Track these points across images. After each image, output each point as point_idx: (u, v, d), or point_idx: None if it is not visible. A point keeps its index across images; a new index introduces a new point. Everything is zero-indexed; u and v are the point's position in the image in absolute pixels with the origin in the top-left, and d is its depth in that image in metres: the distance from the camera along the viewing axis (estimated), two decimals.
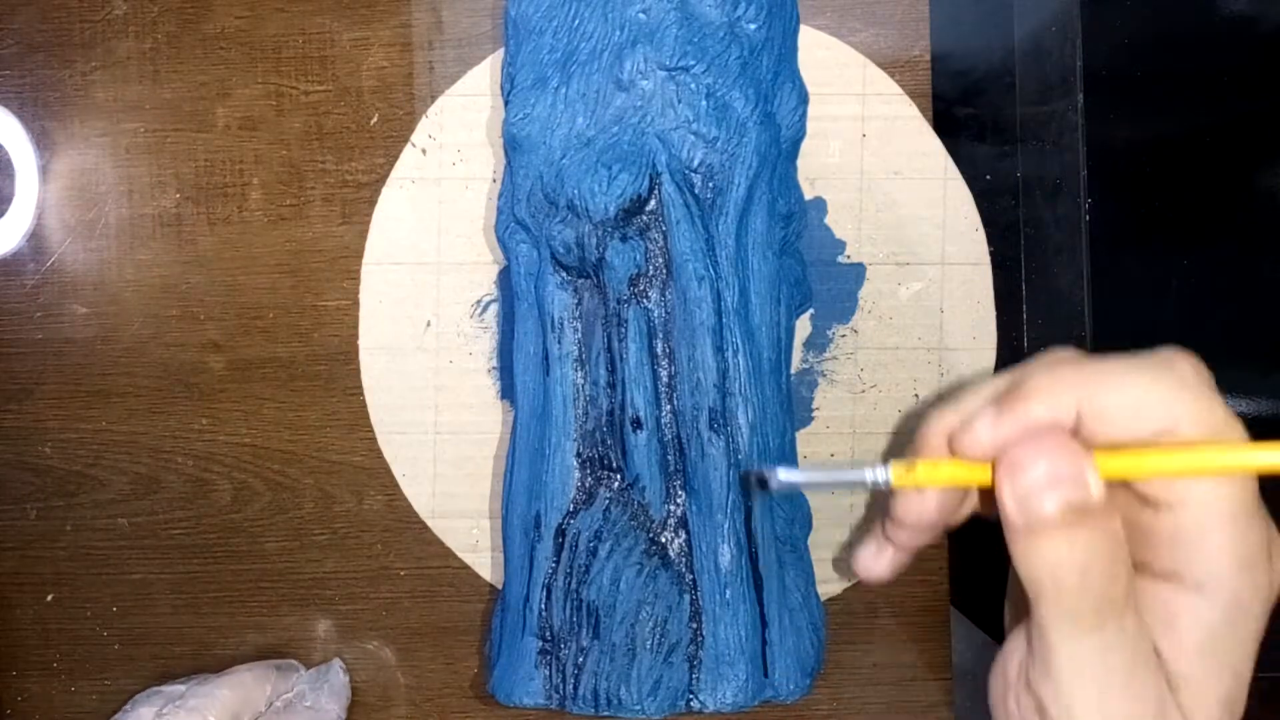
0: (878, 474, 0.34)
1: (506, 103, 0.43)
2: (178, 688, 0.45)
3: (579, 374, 0.42)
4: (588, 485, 0.42)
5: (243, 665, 0.46)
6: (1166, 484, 0.32)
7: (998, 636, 0.50)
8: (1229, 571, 0.32)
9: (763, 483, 0.36)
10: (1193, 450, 0.31)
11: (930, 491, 0.35)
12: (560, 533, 0.42)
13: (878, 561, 0.38)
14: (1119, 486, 0.33)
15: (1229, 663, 0.32)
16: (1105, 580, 0.31)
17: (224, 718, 0.42)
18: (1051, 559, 0.32)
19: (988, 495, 0.36)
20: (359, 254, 0.48)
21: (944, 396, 0.34)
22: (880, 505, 0.37)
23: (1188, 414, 0.32)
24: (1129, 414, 0.32)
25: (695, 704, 0.41)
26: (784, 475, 0.36)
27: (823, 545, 0.47)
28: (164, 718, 0.42)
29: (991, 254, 0.48)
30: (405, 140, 0.48)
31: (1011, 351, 0.48)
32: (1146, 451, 0.32)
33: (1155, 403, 0.32)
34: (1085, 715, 0.33)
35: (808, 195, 0.47)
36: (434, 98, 0.48)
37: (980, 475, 0.34)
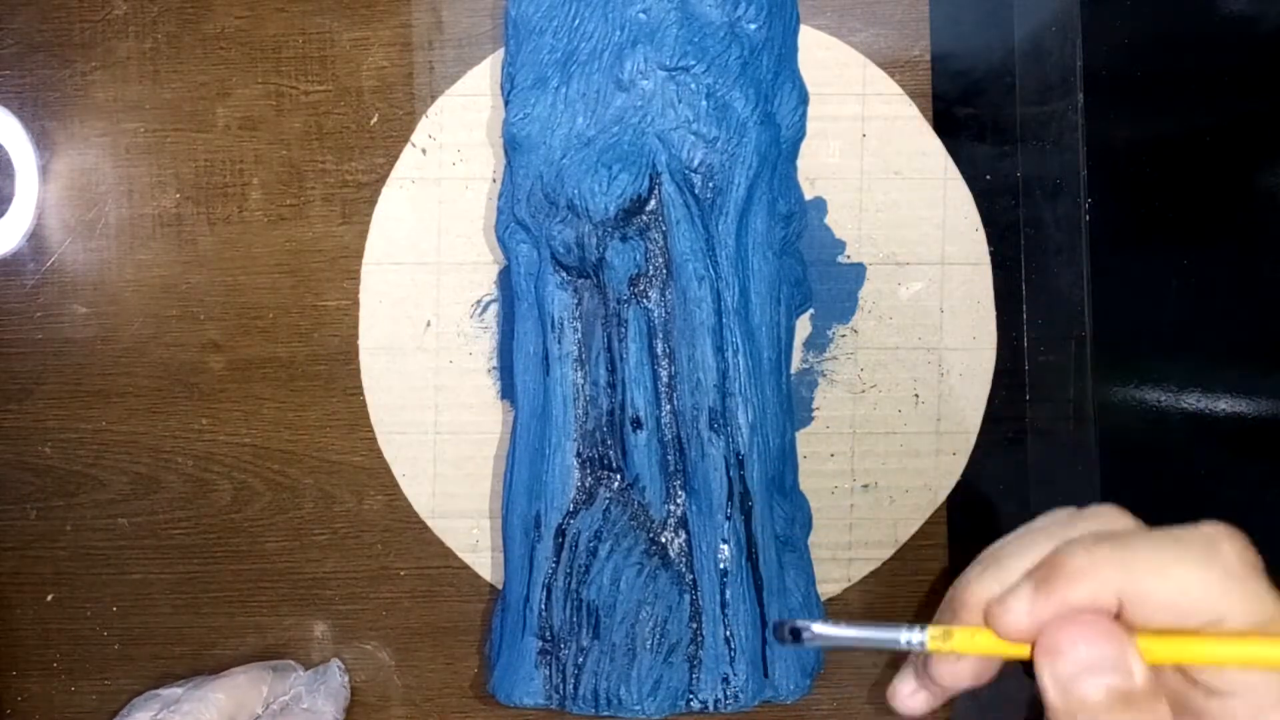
0: (913, 636, 0.34)
1: (507, 103, 0.43)
2: (175, 690, 0.45)
3: (579, 374, 0.42)
4: (588, 485, 0.42)
5: (239, 668, 0.46)
6: (1217, 671, 0.31)
7: None
8: None
9: (795, 635, 0.36)
10: (1241, 642, 0.31)
11: (967, 656, 0.35)
12: (560, 533, 0.42)
13: (914, 699, 0.38)
14: (1168, 666, 0.33)
15: None
16: None
17: None
18: None
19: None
20: (359, 254, 0.48)
21: (981, 558, 0.34)
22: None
23: (1235, 606, 0.31)
24: (1173, 604, 0.31)
25: (695, 704, 0.41)
26: (819, 629, 0.35)
27: (823, 545, 0.47)
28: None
29: (991, 254, 0.48)
30: (405, 140, 0.48)
31: (1011, 351, 0.48)
32: (1193, 639, 0.31)
33: (1201, 594, 0.31)
34: None
35: (808, 195, 0.47)
36: (434, 98, 0.48)
37: (1018, 650, 0.33)
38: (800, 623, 0.35)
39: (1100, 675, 0.31)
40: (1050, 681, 0.31)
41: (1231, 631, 0.31)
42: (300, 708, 0.44)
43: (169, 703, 0.43)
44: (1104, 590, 0.31)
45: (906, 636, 0.34)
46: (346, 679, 0.47)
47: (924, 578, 0.49)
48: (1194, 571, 0.31)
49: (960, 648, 0.34)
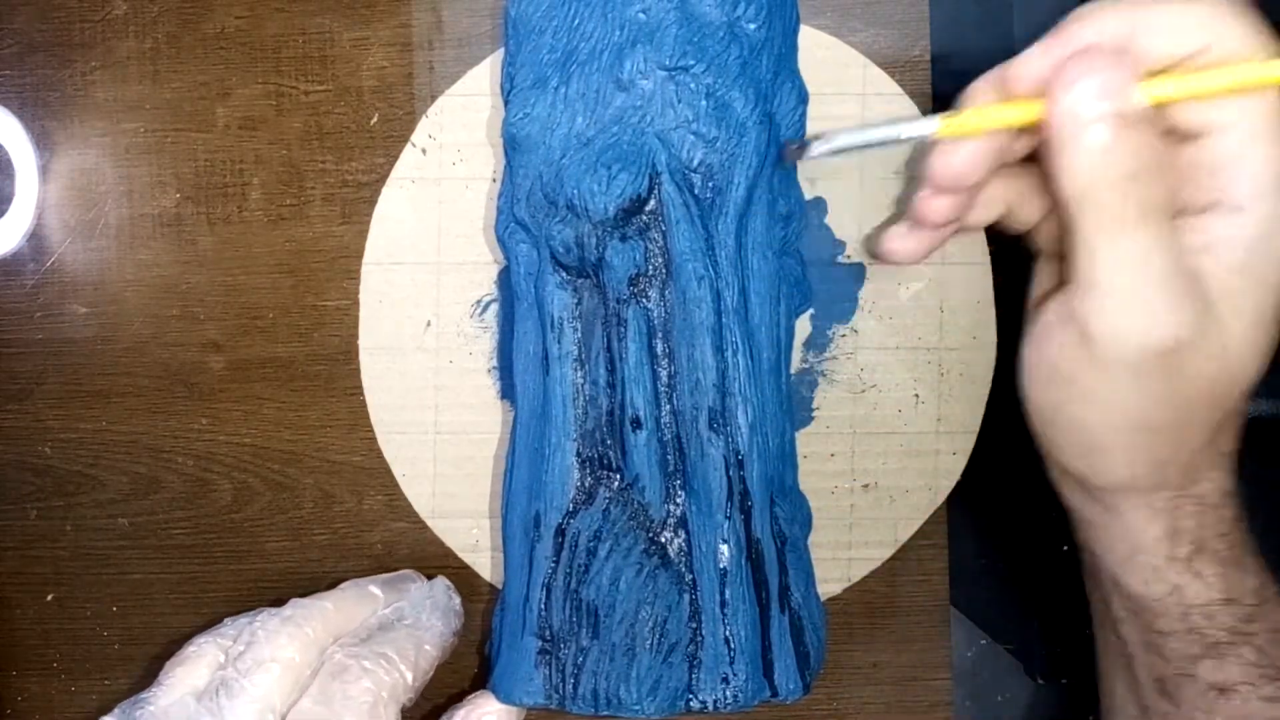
0: (924, 126, 0.37)
1: (506, 103, 0.43)
2: (285, 607, 0.41)
3: (579, 374, 0.42)
4: (587, 485, 0.42)
5: (350, 581, 0.44)
6: (1203, 111, 0.35)
7: (998, 637, 0.50)
8: (1266, 188, 0.34)
9: (803, 148, 0.39)
10: (1228, 67, 0.34)
11: (973, 144, 0.38)
12: (560, 532, 0.42)
13: (906, 241, 0.42)
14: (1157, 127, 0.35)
15: (1265, 276, 0.35)
16: (1148, 182, 0.34)
17: (324, 632, 0.40)
18: (1099, 162, 0.34)
19: (1026, 190, 0.40)
20: (359, 254, 0.48)
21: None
22: (914, 182, 0.40)
23: (1223, 32, 0.34)
24: (1169, 34, 0.34)
25: (695, 704, 0.41)
26: (828, 138, 0.39)
27: (822, 545, 0.47)
28: (255, 625, 0.40)
29: (991, 254, 0.48)
30: (405, 140, 0.48)
31: (1011, 351, 0.48)
32: (1187, 74, 0.34)
33: (1192, 22, 0.34)
34: (1128, 317, 0.35)
35: (808, 195, 0.47)
36: (434, 98, 0.48)
37: (1030, 112, 0.36)
38: (808, 137, 0.38)
39: (1106, 99, 0.34)
40: (1060, 110, 0.34)
41: (1219, 58, 0.34)
42: (404, 624, 0.42)
43: (275, 610, 0.41)
44: (1111, 29, 0.35)
45: (917, 127, 0.38)
46: (457, 600, 0.45)
47: (924, 578, 0.49)
48: (1187, 3, 0.35)
49: (970, 125, 0.37)
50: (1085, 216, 0.35)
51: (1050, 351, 0.38)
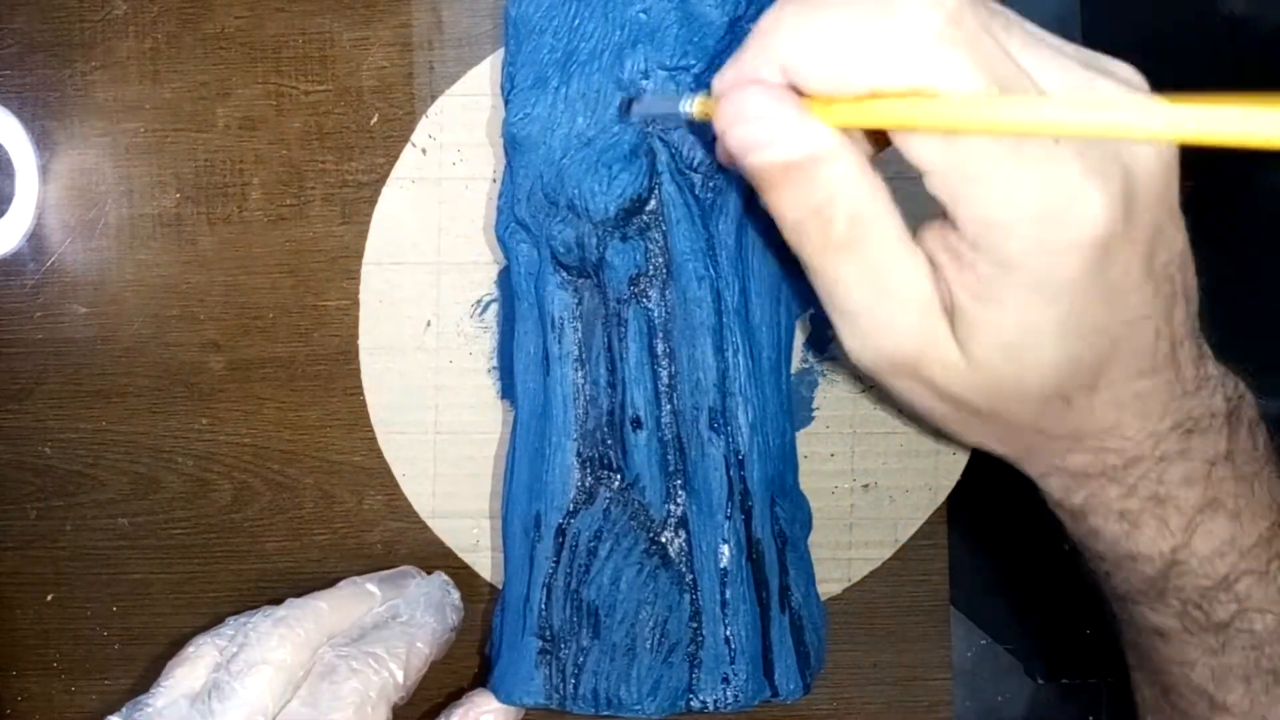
0: (688, 105, 0.37)
1: (507, 102, 0.43)
2: (281, 607, 0.41)
3: (579, 374, 0.42)
4: (588, 485, 0.42)
5: (346, 580, 0.43)
6: (920, 149, 0.31)
7: (998, 637, 0.50)
8: (993, 234, 0.31)
9: (628, 110, 0.41)
10: (894, 102, 0.30)
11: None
12: (560, 532, 0.42)
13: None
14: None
15: (1009, 313, 0.32)
16: (821, 227, 0.32)
17: (317, 632, 0.40)
18: (773, 207, 0.33)
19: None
20: (359, 254, 0.48)
21: None
22: None
23: (901, 67, 0.30)
24: (836, 69, 0.31)
25: (695, 704, 0.41)
26: (638, 107, 0.40)
27: (822, 545, 0.47)
28: (248, 626, 0.40)
29: None
30: (405, 140, 0.48)
31: None
32: (861, 102, 0.31)
33: (862, 56, 0.30)
34: (847, 339, 0.35)
35: None
36: (434, 98, 0.48)
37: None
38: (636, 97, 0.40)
39: (761, 149, 0.32)
40: (731, 152, 0.33)
41: (893, 91, 0.30)
42: (398, 621, 0.41)
43: (270, 610, 0.41)
44: (773, 55, 0.32)
45: (685, 104, 0.37)
46: (456, 595, 0.44)
47: (924, 578, 0.49)
48: (858, 32, 0.30)
49: (696, 113, 0.36)
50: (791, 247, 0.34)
51: None
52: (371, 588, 0.43)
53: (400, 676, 0.39)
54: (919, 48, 0.30)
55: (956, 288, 0.32)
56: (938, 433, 0.48)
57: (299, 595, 0.43)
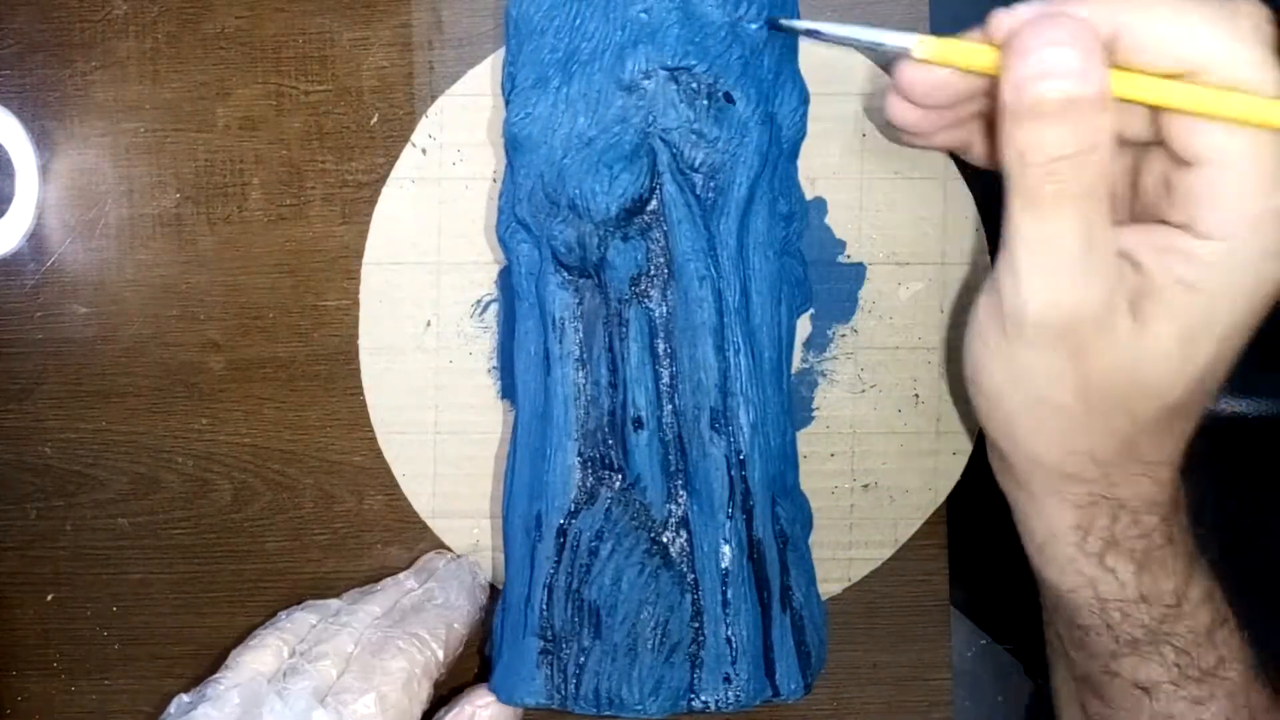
0: (904, 40, 0.37)
1: (507, 102, 0.43)
2: (333, 602, 0.46)
3: (580, 374, 0.42)
4: (589, 485, 0.42)
5: (389, 580, 0.47)
6: (1193, 137, 0.33)
7: (998, 636, 0.50)
8: (1238, 226, 0.33)
9: (786, 26, 0.40)
10: (1211, 91, 0.33)
11: (941, 72, 0.38)
12: (561, 532, 0.42)
13: (899, 111, 0.41)
14: (1155, 144, 0.35)
15: (1209, 304, 0.34)
16: (1079, 169, 0.33)
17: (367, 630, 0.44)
18: (1030, 142, 0.34)
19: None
20: (359, 254, 0.48)
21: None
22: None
23: (1224, 58, 0.33)
24: (1165, 43, 0.33)
25: (697, 704, 0.41)
26: (807, 23, 0.40)
27: (823, 545, 0.47)
28: (319, 628, 0.44)
29: (992, 254, 0.48)
30: (405, 140, 0.48)
31: None
32: (1176, 83, 0.33)
33: (1194, 38, 0.33)
34: (1031, 289, 0.35)
35: (808, 195, 0.47)
36: (434, 98, 0.48)
37: (984, 62, 0.36)
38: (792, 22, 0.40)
39: (1058, 79, 0.33)
40: (1009, 81, 0.34)
41: (1210, 82, 0.33)
42: (434, 604, 0.45)
43: (328, 613, 0.45)
44: (1104, 12, 0.34)
45: (897, 40, 0.38)
46: (482, 576, 0.48)
47: (924, 578, 0.49)
48: (1200, 19, 0.33)
49: (942, 53, 0.37)
50: (1011, 186, 0.35)
51: (978, 316, 0.38)
52: (411, 583, 0.46)
53: (441, 655, 0.43)
54: (1252, 48, 0.33)
55: (1160, 272, 0.34)
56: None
57: (299, 595, 0.46)
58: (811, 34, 0.41)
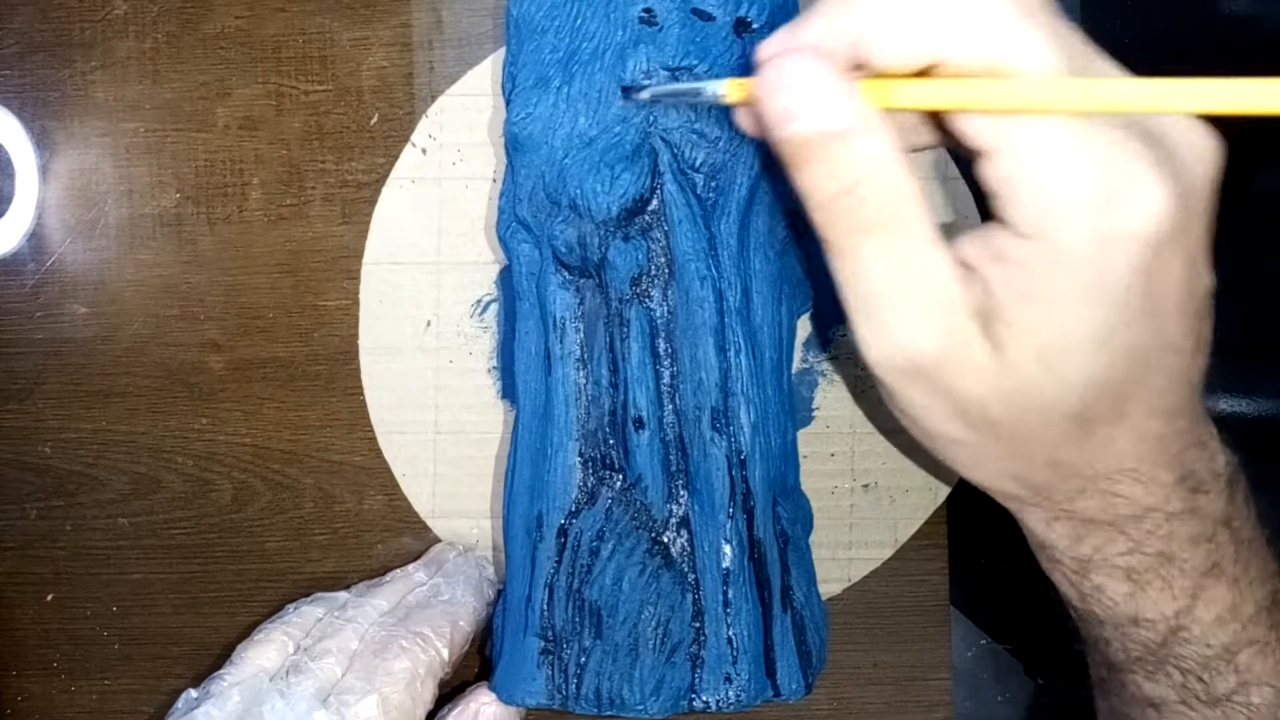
0: (717, 87, 0.36)
1: (508, 102, 0.43)
2: (341, 595, 0.46)
3: (581, 374, 0.42)
4: (590, 485, 0.42)
5: (397, 572, 0.47)
6: (980, 130, 0.31)
7: (998, 636, 0.50)
8: (1049, 217, 0.30)
9: (634, 93, 0.40)
10: (964, 83, 0.30)
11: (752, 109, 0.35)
12: (562, 532, 0.42)
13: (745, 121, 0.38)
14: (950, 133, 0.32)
15: (1060, 317, 0.31)
16: (852, 207, 0.31)
17: (373, 624, 0.44)
18: (803, 185, 0.32)
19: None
20: (359, 254, 0.48)
21: None
22: None
23: (971, 42, 0.30)
24: (903, 41, 0.31)
25: (698, 704, 0.41)
26: (648, 90, 0.40)
27: (823, 545, 0.47)
28: (323, 622, 0.44)
29: None
30: (405, 140, 0.48)
31: None
32: (915, 81, 0.31)
33: (930, 27, 0.30)
34: (862, 336, 0.33)
35: None
36: (434, 98, 0.48)
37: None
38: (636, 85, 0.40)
39: (800, 121, 0.31)
40: (767, 120, 0.32)
41: (958, 72, 0.30)
42: (440, 599, 0.45)
43: (335, 606, 0.45)
44: (838, 30, 0.31)
45: (711, 88, 0.36)
46: (490, 570, 0.47)
47: (924, 578, 0.49)
48: (932, 3, 0.30)
49: (730, 94, 0.36)
50: (816, 227, 0.33)
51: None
52: (420, 576, 0.46)
53: (446, 654, 0.43)
54: (1000, 22, 0.30)
55: (999, 285, 0.31)
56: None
57: (299, 596, 0.45)
58: (648, 98, 0.40)
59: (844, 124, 0.31)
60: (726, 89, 0.36)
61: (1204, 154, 0.32)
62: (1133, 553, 0.36)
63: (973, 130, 0.31)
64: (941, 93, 0.31)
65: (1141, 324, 0.32)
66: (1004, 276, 0.31)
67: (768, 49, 0.32)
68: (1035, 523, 0.38)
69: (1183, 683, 0.37)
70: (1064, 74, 0.30)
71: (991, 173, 0.31)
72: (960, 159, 0.47)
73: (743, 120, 0.37)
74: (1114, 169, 0.30)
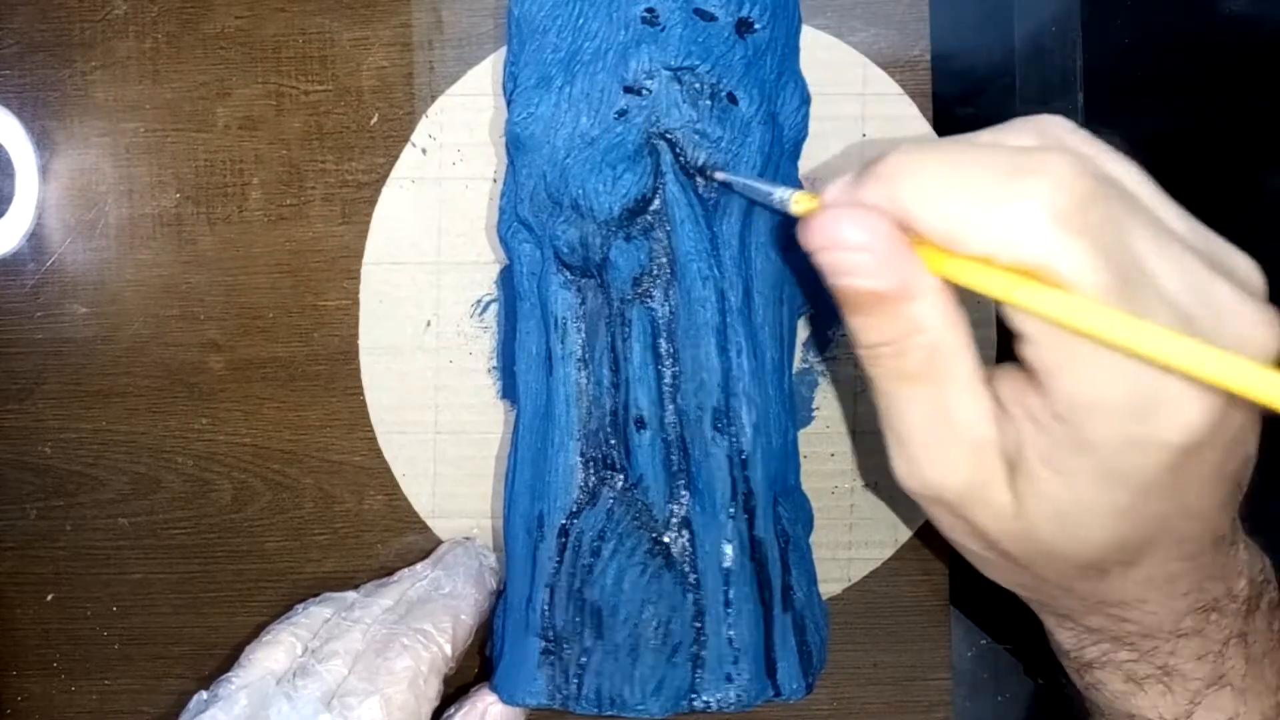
0: (784, 195, 0.37)
1: (510, 102, 0.43)
2: (349, 595, 0.46)
3: (582, 374, 0.42)
4: (591, 485, 0.42)
5: (405, 571, 0.47)
6: (1011, 316, 0.31)
7: (998, 636, 0.50)
8: (1079, 414, 0.30)
9: (703, 172, 0.41)
10: (1012, 279, 0.29)
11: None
12: (563, 533, 0.42)
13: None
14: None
15: (1074, 486, 0.31)
16: (895, 358, 0.32)
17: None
18: (851, 327, 0.33)
19: None
20: (359, 254, 0.48)
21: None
22: None
23: (1007, 240, 0.29)
24: (947, 228, 0.30)
25: (698, 704, 0.41)
26: (720, 176, 0.41)
27: (823, 545, 0.47)
28: (330, 623, 0.44)
29: None
30: (405, 140, 0.48)
31: (1012, 350, 0.48)
32: (979, 266, 0.30)
33: (971, 221, 0.30)
34: (895, 461, 0.35)
35: None
36: (434, 97, 0.48)
37: None
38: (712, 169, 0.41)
39: (854, 277, 0.31)
40: (821, 266, 0.32)
41: (1020, 269, 0.29)
42: (441, 593, 0.44)
43: (343, 607, 0.45)
44: (893, 195, 0.31)
45: (780, 194, 0.38)
46: (491, 558, 0.47)
47: (924, 578, 0.49)
48: (973, 196, 0.30)
49: (797, 210, 0.36)
50: (859, 360, 0.34)
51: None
52: (428, 574, 0.46)
53: (449, 650, 0.42)
54: (1039, 227, 0.29)
55: (1028, 445, 0.32)
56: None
57: (299, 596, 0.46)
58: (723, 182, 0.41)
59: (896, 287, 0.31)
60: (795, 202, 0.37)
61: (1262, 342, 0.31)
62: (1136, 662, 0.37)
63: (1017, 318, 0.31)
64: (991, 282, 0.30)
65: (1161, 501, 0.32)
66: (1033, 436, 0.32)
67: (830, 195, 0.33)
68: (1046, 620, 0.40)
69: None
70: (1111, 291, 0.29)
71: (1029, 354, 0.31)
72: None
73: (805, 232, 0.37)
74: (1152, 380, 0.29)
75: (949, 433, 0.33)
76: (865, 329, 0.32)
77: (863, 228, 0.31)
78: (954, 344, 0.32)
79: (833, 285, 0.32)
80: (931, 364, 0.32)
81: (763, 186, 0.39)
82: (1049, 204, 0.29)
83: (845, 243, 0.31)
